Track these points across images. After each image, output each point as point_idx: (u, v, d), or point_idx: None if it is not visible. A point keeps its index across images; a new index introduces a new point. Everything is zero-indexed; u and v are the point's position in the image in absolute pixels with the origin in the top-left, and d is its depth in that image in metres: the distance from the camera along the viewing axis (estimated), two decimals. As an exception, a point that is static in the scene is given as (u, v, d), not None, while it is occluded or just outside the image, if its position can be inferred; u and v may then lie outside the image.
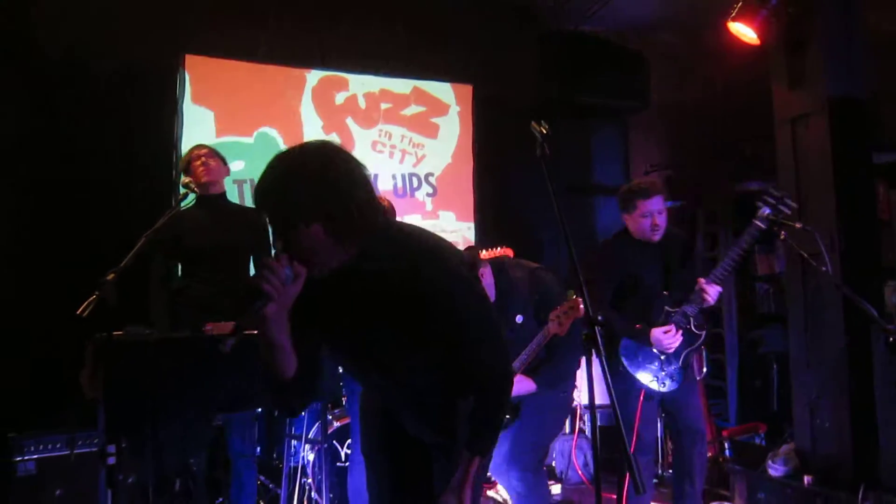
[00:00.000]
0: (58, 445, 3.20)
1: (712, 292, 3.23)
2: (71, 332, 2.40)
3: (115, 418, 2.23)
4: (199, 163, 3.27)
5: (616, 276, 3.41)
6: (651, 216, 3.30)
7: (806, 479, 3.58)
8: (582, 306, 2.92)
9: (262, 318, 1.58)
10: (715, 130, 6.52)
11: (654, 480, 3.62)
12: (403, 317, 1.74)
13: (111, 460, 2.18)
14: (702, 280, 3.26)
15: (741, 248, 3.23)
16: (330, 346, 1.88)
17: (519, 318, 3.15)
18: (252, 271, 3.43)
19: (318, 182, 1.58)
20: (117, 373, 2.29)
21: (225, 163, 3.43)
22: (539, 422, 3.15)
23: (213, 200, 3.33)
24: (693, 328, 3.29)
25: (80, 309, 2.18)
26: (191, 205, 3.28)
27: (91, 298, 2.22)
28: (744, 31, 4.04)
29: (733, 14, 4.00)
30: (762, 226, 3.20)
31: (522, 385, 3.08)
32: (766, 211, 3.20)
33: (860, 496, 3.21)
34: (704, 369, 4.14)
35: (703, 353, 3.94)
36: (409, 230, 1.84)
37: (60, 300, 2.65)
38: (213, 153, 3.36)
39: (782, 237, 3.26)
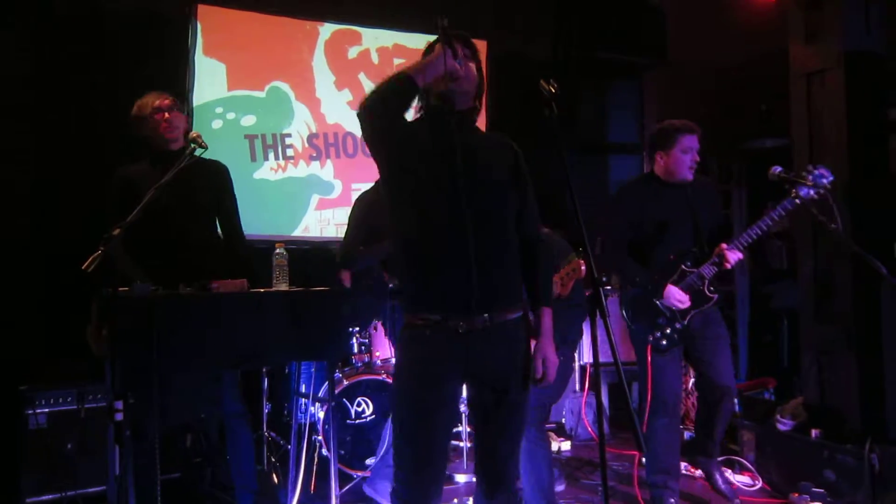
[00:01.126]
0: (69, 399, 3.23)
1: (732, 258, 3.18)
2: (82, 285, 2.43)
3: (122, 375, 2.26)
4: (163, 118, 2.97)
5: (638, 220, 3.33)
6: (691, 152, 3.27)
7: (813, 432, 3.61)
8: (584, 267, 2.95)
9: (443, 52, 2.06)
10: (730, 87, 6.41)
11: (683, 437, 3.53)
12: (500, 169, 2.17)
13: (119, 416, 2.20)
14: (724, 245, 3.21)
15: (772, 219, 3.16)
16: (433, 178, 2.08)
17: None
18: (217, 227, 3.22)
19: None
20: (123, 330, 2.31)
21: (184, 107, 3.15)
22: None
23: (172, 157, 2.92)
24: (706, 290, 3.25)
25: (85, 264, 2.16)
26: (142, 162, 3.03)
27: (96, 253, 2.18)
28: (762, -13, 3.97)
29: (751, -31, 3.93)
30: (797, 202, 3.13)
31: None
32: (804, 191, 3.12)
33: (867, 449, 3.23)
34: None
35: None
36: None
37: (71, 252, 2.67)
38: (176, 104, 3.04)
39: (793, 194, 3.22)
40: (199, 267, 2.88)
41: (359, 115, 2.08)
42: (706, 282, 3.24)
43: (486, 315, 2.06)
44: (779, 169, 3.25)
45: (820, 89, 3.90)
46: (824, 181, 3.10)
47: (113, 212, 2.86)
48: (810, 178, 3.12)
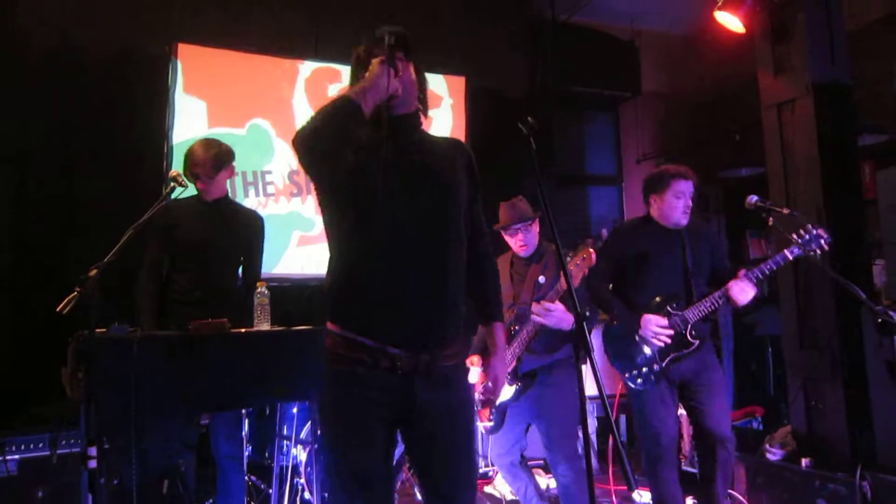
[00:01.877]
0: (40, 445, 3.08)
1: (738, 295, 3.05)
2: (57, 328, 2.37)
3: (97, 419, 2.18)
4: (197, 180, 3.18)
5: (627, 260, 3.30)
6: (684, 197, 3.20)
7: (804, 461, 3.57)
8: (594, 256, 2.94)
9: (383, 69, 1.87)
10: (704, 118, 6.53)
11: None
12: (451, 178, 1.96)
13: (92, 463, 2.12)
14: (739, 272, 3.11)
15: (774, 264, 3.08)
16: (380, 189, 1.87)
17: (542, 279, 3.24)
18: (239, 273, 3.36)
19: None
20: (99, 372, 2.24)
21: (226, 166, 3.30)
22: (562, 402, 3.16)
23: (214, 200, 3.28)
24: (688, 335, 3.15)
25: (60, 306, 2.11)
26: (192, 196, 3.19)
27: (72, 295, 2.13)
28: (729, 20, 4.08)
29: (720, 3, 4.05)
30: (789, 258, 3.05)
31: (566, 320, 3.09)
32: (795, 251, 3.05)
33: (857, 476, 3.20)
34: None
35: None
36: None
37: (47, 293, 2.62)
38: (214, 163, 3.20)
39: (770, 223, 3.24)
40: (217, 311, 2.89)
41: (295, 145, 1.83)
42: (689, 326, 3.15)
43: (428, 354, 1.86)
44: (755, 198, 3.27)
45: (790, 118, 3.99)
46: (822, 242, 3.01)
47: (157, 242, 3.15)
48: (806, 237, 3.01)
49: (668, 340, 3.13)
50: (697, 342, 3.17)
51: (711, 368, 3.27)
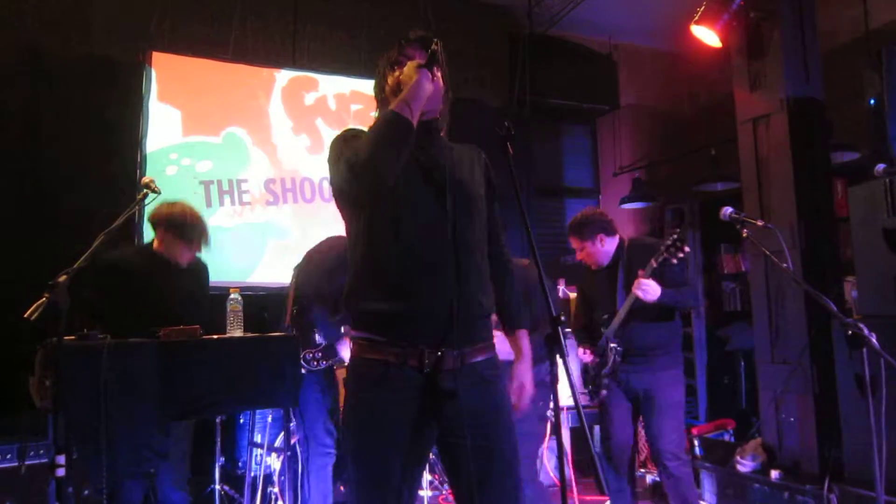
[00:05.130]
0: (8, 456, 3.01)
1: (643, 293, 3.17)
2: (27, 334, 2.31)
3: (66, 428, 2.14)
4: (191, 247, 3.21)
5: (584, 287, 3.65)
6: (577, 252, 3.47)
7: (773, 473, 3.62)
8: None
9: (423, 74, 1.83)
10: (681, 131, 6.61)
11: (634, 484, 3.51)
12: (476, 183, 1.98)
13: (61, 472, 2.08)
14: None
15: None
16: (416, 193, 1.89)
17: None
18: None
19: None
20: (67, 380, 2.21)
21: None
22: (524, 431, 3.13)
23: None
24: (608, 348, 3.34)
25: (28, 312, 2.06)
26: (135, 250, 3.17)
27: (40, 301, 2.08)
28: (706, 35, 4.12)
29: (696, 18, 4.08)
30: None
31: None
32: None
33: (825, 489, 3.24)
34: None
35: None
36: None
37: (15, 300, 2.56)
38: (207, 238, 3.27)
39: (745, 235, 3.27)
40: None
41: (356, 172, 1.79)
42: (608, 341, 3.32)
43: (457, 351, 1.81)
44: (730, 210, 3.29)
45: (765, 133, 4.04)
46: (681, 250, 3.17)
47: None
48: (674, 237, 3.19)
49: (591, 364, 3.41)
50: (613, 360, 3.32)
51: (665, 387, 3.32)
